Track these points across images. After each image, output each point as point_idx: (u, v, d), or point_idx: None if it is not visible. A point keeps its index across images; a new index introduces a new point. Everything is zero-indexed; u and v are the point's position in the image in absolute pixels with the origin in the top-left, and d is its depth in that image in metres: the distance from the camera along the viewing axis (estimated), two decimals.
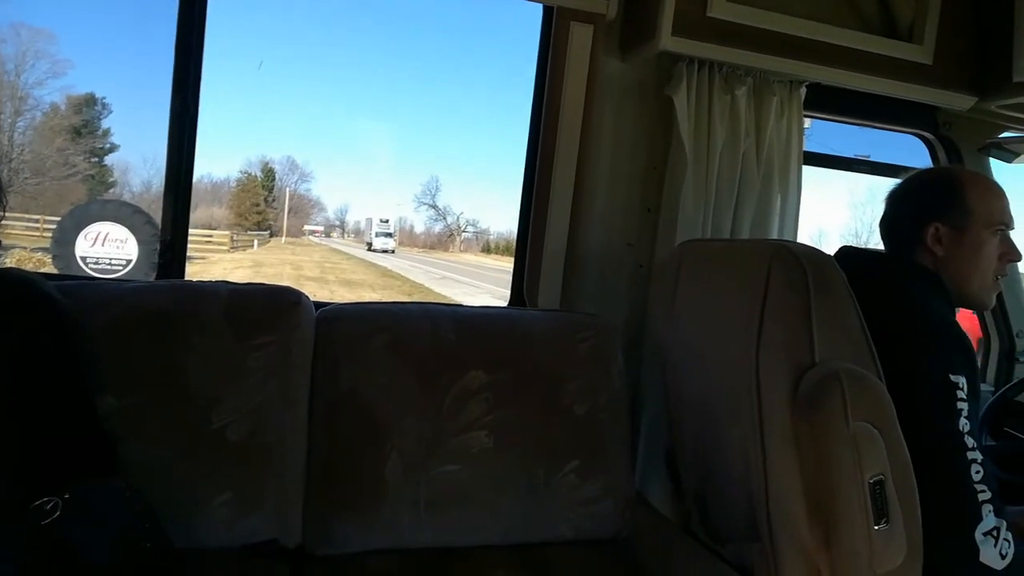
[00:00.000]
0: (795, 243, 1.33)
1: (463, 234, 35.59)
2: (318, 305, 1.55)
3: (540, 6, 1.85)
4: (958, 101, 2.00)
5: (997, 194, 1.51)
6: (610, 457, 1.55)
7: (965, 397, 1.31)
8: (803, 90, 1.90)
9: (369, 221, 35.65)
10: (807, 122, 2.11)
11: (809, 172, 2.02)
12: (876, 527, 1.15)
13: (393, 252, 33.24)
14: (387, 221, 35.18)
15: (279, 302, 1.46)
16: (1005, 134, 2.24)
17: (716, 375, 1.43)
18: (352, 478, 1.40)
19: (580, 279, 1.90)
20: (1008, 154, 2.13)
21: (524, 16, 1.95)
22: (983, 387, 2.35)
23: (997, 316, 2.48)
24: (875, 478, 1.15)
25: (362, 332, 1.47)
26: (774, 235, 1.87)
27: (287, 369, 1.42)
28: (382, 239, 33.93)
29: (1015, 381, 2.17)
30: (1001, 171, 2.30)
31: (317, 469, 1.41)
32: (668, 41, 1.72)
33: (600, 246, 1.94)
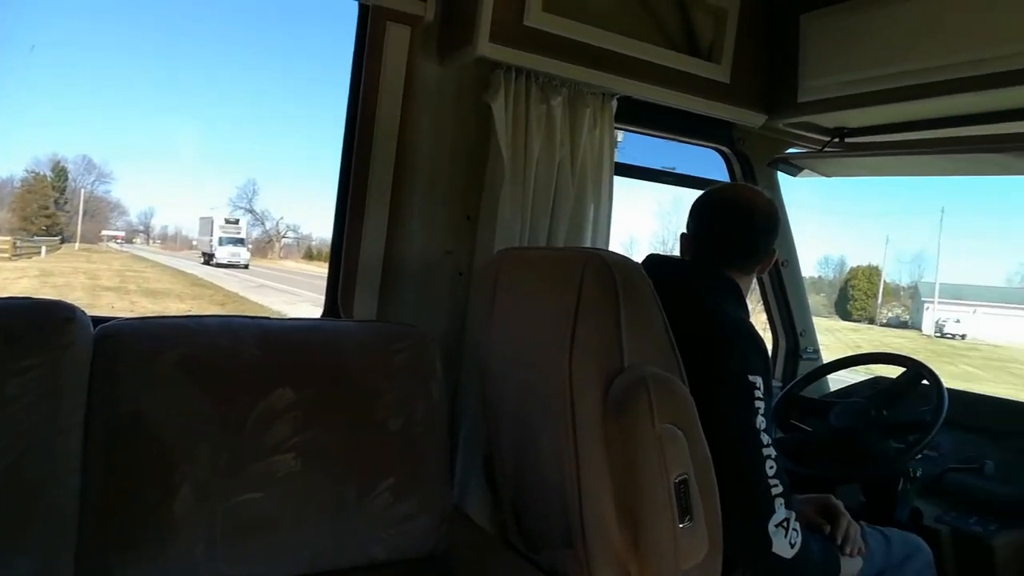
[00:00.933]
0: (607, 251, 1.35)
1: (283, 240, 33.34)
2: (99, 320, 1.38)
3: (356, 3, 1.78)
4: (750, 118, 2.16)
5: None
6: (427, 472, 1.50)
7: (762, 396, 1.40)
8: (614, 103, 1.97)
9: (207, 223, 25.94)
10: (619, 134, 2.19)
11: (621, 182, 2.10)
12: (681, 525, 1.20)
13: (247, 267, 24.60)
14: (236, 222, 26.27)
15: (47, 318, 1.27)
16: (791, 150, 2.46)
17: (532, 382, 1.43)
18: (135, 513, 1.24)
19: (398, 288, 1.84)
20: (793, 168, 2.33)
21: (339, 12, 1.86)
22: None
23: (784, 317, 2.71)
24: (679, 478, 1.19)
25: (149, 349, 1.31)
26: (588, 243, 1.92)
27: (57, 393, 1.23)
28: (230, 248, 24.79)
29: (800, 377, 2.37)
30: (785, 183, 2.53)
31: (94, 505, 1.24)
32: (485, 47, 1.71)
33: (419, 254, 1.89)
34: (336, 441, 1.39)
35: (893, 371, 2.15)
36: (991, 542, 1.85)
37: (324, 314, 1.88)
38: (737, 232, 1.61)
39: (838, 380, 2.57)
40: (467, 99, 1.88)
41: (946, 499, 2.02)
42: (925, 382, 2.00)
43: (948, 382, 1.94)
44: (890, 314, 42.31)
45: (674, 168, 2.36)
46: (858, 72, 1.94)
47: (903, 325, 39.33)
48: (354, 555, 1.41)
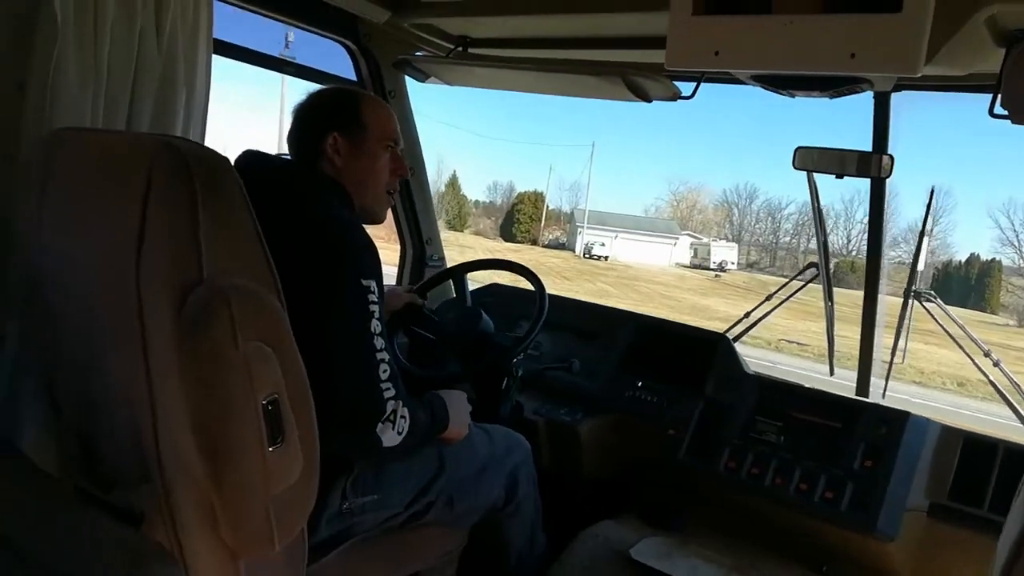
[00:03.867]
0: (184, 140, 1.15)
1: None
2: None
3: None
4: (373, 12, 2.03)
5: (389, 114, 1.63)
6: None
7: (376, 300, 1.39)
8: None
9: None
10: None
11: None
12: (270, 448, 1.10)
13: None
14: None
15: None
16: (419, 53, 2.39)
17: (96, 293, 1.19)
18: None
19: None
20: (420, 74, 2.26)
21: None
22: (400, 290, 2.57)
23: (411, 225, 2.72)
24: (269, 398, 1.09)
25: None
26: (178, 132, 1.63)
27: None
28: None
29: (425, 280, 2.41)
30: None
31: None
32: None
33: None
34: None
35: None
36: (577, 427, 2.11)
37: None
38: (308, 114, 1.56)
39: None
40: None
41: (543, 394, 2.25)
42: (531, 287, 2.16)
43: (585, 296, 2.13)
44: (551, 237, 46.34)
45: (295, 58, 2.15)
46: None
47: (562, 247, 43.99)
48: None
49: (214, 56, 1.72)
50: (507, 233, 46.50)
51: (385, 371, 1.38)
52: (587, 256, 38.50)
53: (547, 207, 49.16)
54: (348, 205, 1.52)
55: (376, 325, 1.38)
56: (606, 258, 38.35)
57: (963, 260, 44.58)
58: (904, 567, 1.76)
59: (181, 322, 1.03)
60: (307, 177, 1.48)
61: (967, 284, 42.00)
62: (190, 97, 1.63)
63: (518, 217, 47.16)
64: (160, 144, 1.07)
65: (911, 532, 1.72)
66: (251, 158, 1.47)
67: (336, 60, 2.28)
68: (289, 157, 1.58)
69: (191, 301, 1.03)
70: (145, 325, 1.07)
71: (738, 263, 43.64)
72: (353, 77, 2.34)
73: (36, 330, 1.39)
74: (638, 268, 34.92)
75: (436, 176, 48.64)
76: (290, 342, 1.12)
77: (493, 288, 2.65)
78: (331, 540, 1.45)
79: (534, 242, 45.16)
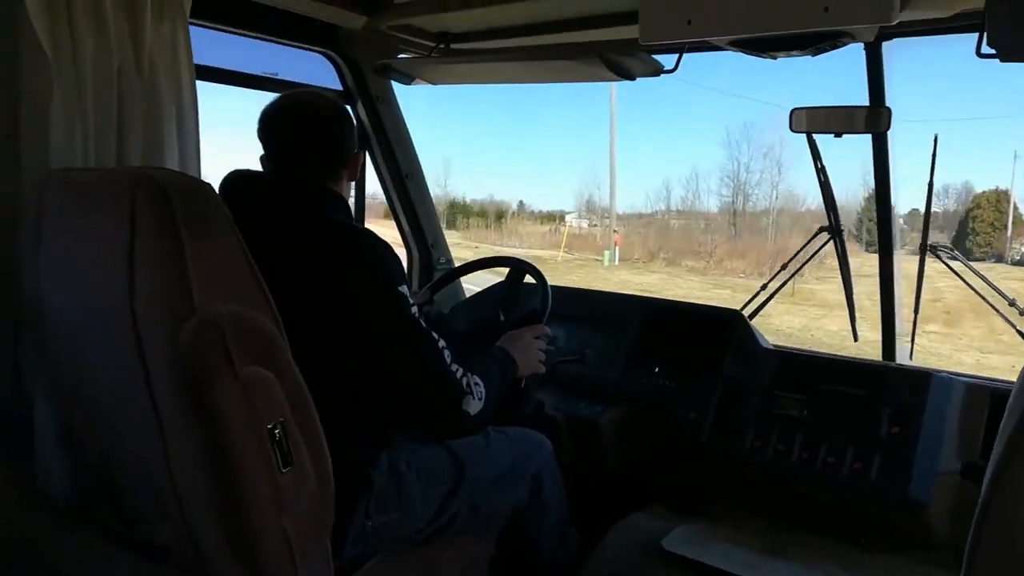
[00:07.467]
0: (162, 169, 1.15)
1: None
2: None
3: None
4: (348, 19, 2.01)
5: None
6: None
7: (412, 300, 1.44)
8: None
9: None
10: None
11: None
12: (282, 472, 1.10)
13: None
14: None
15: None
16: (403, 56, 2.36)
17: (96, 335, 1.19)
18: None
19: None
20: (404, 76, 2.25)
21: None
22: None
23: (416, 230, 2.71)
24: (275, 423, 1.08)
25: None
26: (174, 163, 1.62)
27: None
28: None
29: (433, 282, 2.40)
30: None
31: None
32: None
33: None
34: None
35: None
36: (598, 421, 2.08)
37: None
38: (298, 139, 1.50)
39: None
40: None
41: (560, 388, 2.22)
42: (531, 280, 2.13)
43: None
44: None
45: (276, 74, 2.13)
46: None
47: None
48: None
49: (199, 82, 1.71)
50: (961, 248, 31.76)
51: (448, 356, 1.44)
52: None
53: (1014, 208, 30.69)
54: (349, 213, 1.52)
55: (422, 320, 1.43)
56: None
57: None
58: (941, 532, 1.71)
59: (178, 354, 1.03)
60: (312, 191, 1.47)
61: None
62: (181, 125, 1.62)
63: (973, 226, 31.82)
64: (138, 176, 1.07)
65: (945, 496, 1.67)
66: (239, 178, 1.45)
67: (318, 71, 2.26)
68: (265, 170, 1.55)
69: (185, 331, 1.02)
70: (147, 360, 1.07)
71: None
72: (338, 86, 2.33)
73: (51, 379, 1.39)
74: None
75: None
76: (289, 364, 1.12)
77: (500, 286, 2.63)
78: (356, 559, 1.44)
79: (999, 258, 28.86)
